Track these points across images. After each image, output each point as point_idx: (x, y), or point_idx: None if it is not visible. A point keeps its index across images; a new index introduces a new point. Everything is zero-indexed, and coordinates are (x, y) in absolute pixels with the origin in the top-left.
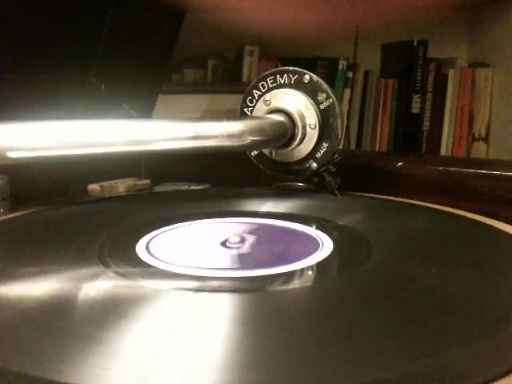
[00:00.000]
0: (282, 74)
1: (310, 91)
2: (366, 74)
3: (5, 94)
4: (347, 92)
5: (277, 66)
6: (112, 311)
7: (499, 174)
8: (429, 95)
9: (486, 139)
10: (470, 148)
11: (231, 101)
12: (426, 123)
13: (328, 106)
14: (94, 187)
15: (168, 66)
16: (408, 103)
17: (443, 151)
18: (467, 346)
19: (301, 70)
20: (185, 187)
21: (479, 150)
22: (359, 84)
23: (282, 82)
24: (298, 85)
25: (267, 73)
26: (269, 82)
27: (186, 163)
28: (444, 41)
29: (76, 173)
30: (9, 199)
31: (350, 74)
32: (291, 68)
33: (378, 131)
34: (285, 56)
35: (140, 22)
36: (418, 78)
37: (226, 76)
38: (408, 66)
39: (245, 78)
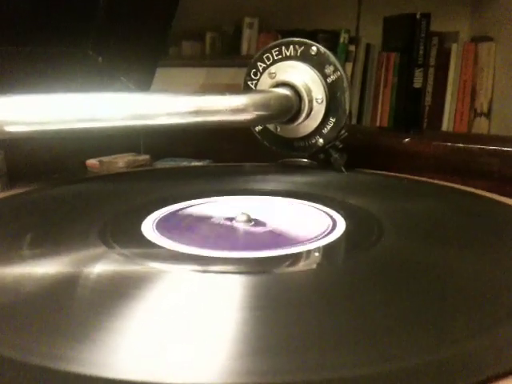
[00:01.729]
0: (287, 45)
1: (317, 64)
2: (368, 47)
3: (1, 67)
4: (348, 66)
5: (277, 39)
6: (116, 294)
7: (509, 151)
8: (431, 70)
9: (487, 115)
10: (472, 123)
11: (230, 74)
12: (428, 98)
13: (336, 80)
14: (92, 162)
15: (167, 38)
16: (410, 78)
17: (445, 126)
18: (481, 336)
19: (308, 41)
20: (185, 163)
21: (481, 126)
22: (361, 58)
23: (288, 54)
24: (305, 57)
25: (272, 44)
26: (274, 53)
27: (185, 138)
28: (447, 14)
29: (74, 148)
30: (6, 175)
31: (351, 48)
32: (297, 39)
33: (380, 106)
34: (285, 28)
35: None
36: (421, 52)
37: (225, 49)
38: (410, 39)
39: (244, 51)
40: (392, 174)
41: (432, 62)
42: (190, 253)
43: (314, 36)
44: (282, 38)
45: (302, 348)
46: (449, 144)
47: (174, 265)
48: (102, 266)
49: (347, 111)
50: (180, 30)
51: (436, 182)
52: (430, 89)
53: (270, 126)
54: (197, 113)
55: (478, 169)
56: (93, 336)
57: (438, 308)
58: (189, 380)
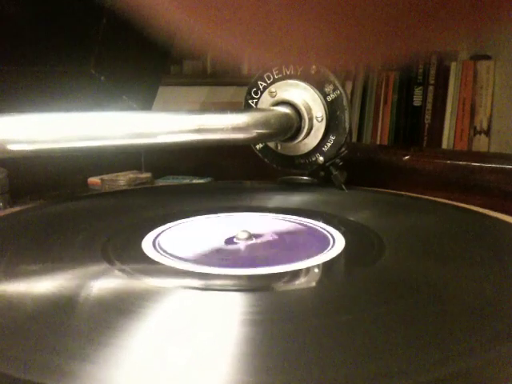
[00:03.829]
0: (287, 64)
1: (317, 82)
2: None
3: (3, 86)
4: (348, 84)
5: None
6: (117, 311)
7: (509, 169)
8: (430, 88)
9: (487, 132)
10: (472, 141)
11: (231, 93)
12: (428, 116)
13: (335, 98)
14: (94, 180)
15: (168, 57)
16: (409, 96)
17: (445, 144)
18: (482, 353)
19: None
20: (186, 181)
21: (481, 144)
22: (360, 76)
23: (288, 72)
24: (305, 76)
25: (272, 63)
26: (274, 73)
27: (186, 156)
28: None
29: (76, 166)
30: (8, 193)
31: None
32: None
33: (379, 124)
34: None
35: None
36: (420, 70)
37: (226, 68)
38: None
39: (245, 69)
40: (392, 191)
41: (431, 80)
42: (190, 270)
43: None
44: None
45: (303, 365)
46: (448, 161)
47: (174, 282)
48: (103, 282)
49: (347, 129)
50: (182, 48)
51: (436, 199)
52: (429, 107)
53: (271, 144)
54: (198, 131)
55: (477, 186)
56: (93, 352)
57: (438, 325)
58: None
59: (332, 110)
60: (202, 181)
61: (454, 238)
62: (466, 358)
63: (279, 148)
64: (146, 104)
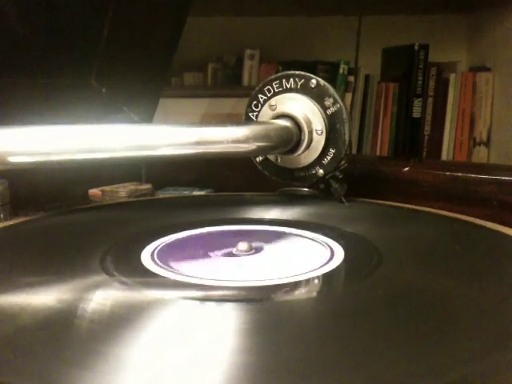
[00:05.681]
0: (287, 78)
1: (317, 96)
2: (367, 78)
3: (5, 98)
4: (348, 96)
5: (277, 70)
6: (117, 323)
7: (507, 180)
8: (430, 99)
9: (487, 144)
10: (471, 152)
11: (231, 104)
12: (427, 127)
13: (335, 112)
14: (95, 192)
15: (169, 69)
16: (409, 107)
17: (444, 156)
18: (480, 362)
19: (307, 74)
20: (186, 192)
21: (480, 155)
22: (360, 88)
23: (288, 86)
24: (305, 89)
25: (273, 77)
26: (274, 86)
27: (187, 168)
28: (445, 45)
29: (76, 177)
30: (9, 204)
31: (350, 78)
32: (297, 72)
33: (379, 135)
34: (285, 60)
35: (140, 24)
36: (419, 82)
37: (226, 80)
38: (409, 70)
39: (245, 81)
40: (391, 203)
41: (431, 91)
42: (189, 282)
43: (313, 67)
44: (283, 69)
45: (301, 375)
46: (448, 173)
47: (173, 293)
48: (102, 293)
49: (347, 142)
50: (182, 60)
51: (435, 211)
52: (429, 118)
53: (271, 157)
54: (198, 144)
55: (477, 197)
56: (92, 363)
57: (436, 334)
58: None
59: (332, 123)
60: (202, 192)
61: (453, 249)
62: (465, 366)
63: (279, 161)
64: (147, 116)
